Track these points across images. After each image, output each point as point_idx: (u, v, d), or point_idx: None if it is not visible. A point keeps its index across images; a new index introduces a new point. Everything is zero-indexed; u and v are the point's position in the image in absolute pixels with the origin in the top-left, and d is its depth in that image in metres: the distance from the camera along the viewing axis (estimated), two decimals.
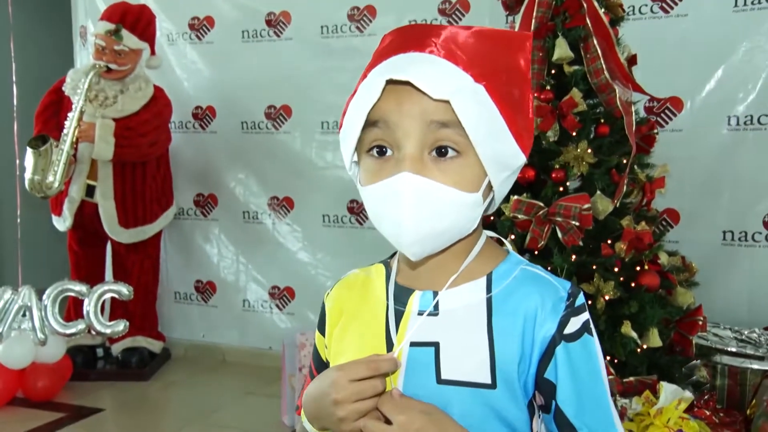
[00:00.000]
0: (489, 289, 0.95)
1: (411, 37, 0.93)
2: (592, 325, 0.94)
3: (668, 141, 3.11)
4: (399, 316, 0.97)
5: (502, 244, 1.05)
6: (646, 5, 3.36)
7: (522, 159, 0.92)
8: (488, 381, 0.90)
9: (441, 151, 0.88)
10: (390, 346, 0.95)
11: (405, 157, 0.88)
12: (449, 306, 0.95)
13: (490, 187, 0.92)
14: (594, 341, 0.94)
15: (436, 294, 0.95)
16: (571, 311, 0.92)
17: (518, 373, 0.91)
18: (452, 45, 0.90)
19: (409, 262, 0.99)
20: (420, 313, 0.95)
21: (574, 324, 0.92)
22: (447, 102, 0.86)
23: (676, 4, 3.32)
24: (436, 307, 0.95)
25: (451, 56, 0.89)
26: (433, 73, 0.87)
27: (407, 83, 0.86)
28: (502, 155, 0.90)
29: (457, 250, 0.96)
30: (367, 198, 0.93)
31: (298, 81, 4.11)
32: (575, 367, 0.91)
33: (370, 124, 0.90)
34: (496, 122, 0.89)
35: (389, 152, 0.90)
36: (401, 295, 0.98)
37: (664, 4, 3.34)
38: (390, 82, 0.88)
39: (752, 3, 3.17)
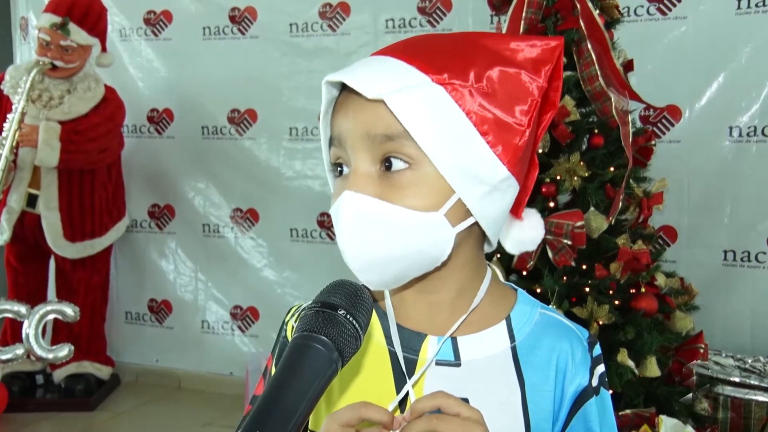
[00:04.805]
0: (512, 337, 0.92)
1: (395, 44, 0.91)
2: (606, 378, 0.94)
3: (665, 153, 3.12)
4: (408, 364, 0.90)
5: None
6: (642, 6, 3.37)
7: (503, 172, 0.86)
8: None
9: (390, 164, 0.85)
10: (404, 400, 0.89)
11: (351, 175, 0.86)
12: (471, 356, 0.90)
13: (464, 207, 0.86)
14: (609, 395, 0.93)
15: (455, 341, 0.90)
16: (593, 363, 0.92)
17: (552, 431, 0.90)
18: (421, 47, 0.88)
19: (406, 301, 0.93)
20: (439, 363, 0.90)
21: (594, 377, 0.92)
22: (392, 109, 0.83)
23: (674, 5, 3.33)
24: (457, 356, 0.90)
25: (407, 56, 0.86)
26: (373, 72, 0.85)
27: (356, 92, 0.84)
28: (470, 165, 0.84)
29: (461, 288, 0.92)
30: None
31: (265, 83, 4.08)
32: (598, 422, 0.91)
33: (331, 141, 0.90)
34: (459, 126, 0.84)
35: (346, 170, 0.88)
36: (410, 341, 0.92)
37: (661, 5, 3.35)
38: (342, 89, 0.88)
39: (756, 5, 3.18)
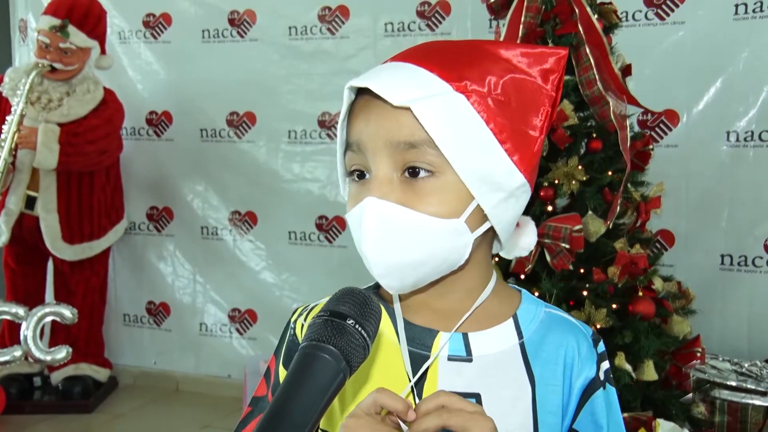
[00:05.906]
0: (520, 334, 0.94)
1: (409, 50, 0.92)
2: (612, 375, 0.95)
3: (662, 157, 3.12)
4: (421, 360, 0.92)
5: None
6: (641, 11, 3.38)
7: (519, 179, 0.88)
8: None
9: (413, 171, 0.86)
10: (419, 397, 0.91)
11: (372, 181, 0.87)
12: (482, 351, 0.92)
13: (481, 212, 0.88)
14: (615, 392, 0.95)
15: (466, 337, 0.92)
16: (599, 358, 0.95)
17: (561, 427, 0.92)
18: (438, 54, 0.89)
19: (418, 301, 0.95)
20: (452, 359, 0.92)
21: (600, 371, 0.94)
22: (415, 116, 0.84)
23: (672, 10, 3.34)
24: (468, 351, 0.92)
25: (428, 63, 0.87)
26: (398, 79, 0.86)
27: (378, 98, 0.85)
28: (489, 173, 0.86)
29: (471, 288, 0.94)
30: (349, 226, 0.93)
31: (264, 86, 4.08)
32: (606, 417, 0.93)
33: (349, 146, 0.91)
34: (480, 135, 0.86)
35: (367, 176, 0.89)
36: (421, 337, 0.93)
37: (659, 11, 3.36)
38: (358, 94, 0.89)
39: (754, 10, 3.19)
